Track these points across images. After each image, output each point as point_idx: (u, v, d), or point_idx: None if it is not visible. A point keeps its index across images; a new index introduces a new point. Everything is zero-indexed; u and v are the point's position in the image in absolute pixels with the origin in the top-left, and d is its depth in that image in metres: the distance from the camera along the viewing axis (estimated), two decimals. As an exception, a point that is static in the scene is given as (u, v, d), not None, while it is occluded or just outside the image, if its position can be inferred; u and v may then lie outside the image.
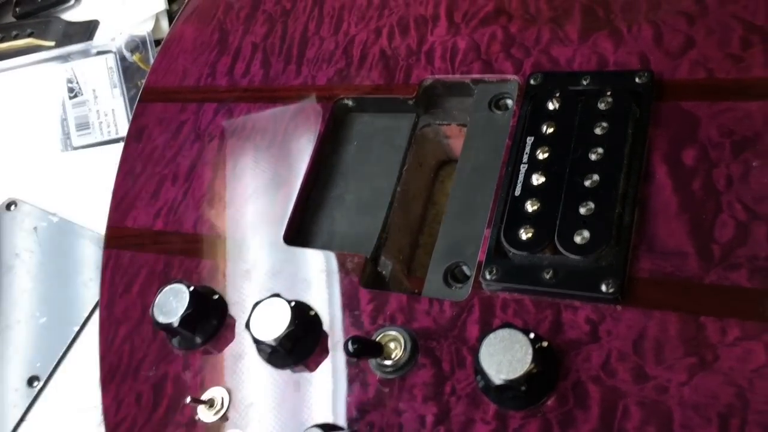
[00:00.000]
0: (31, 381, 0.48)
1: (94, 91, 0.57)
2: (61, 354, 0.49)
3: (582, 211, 0.33)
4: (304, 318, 0.36)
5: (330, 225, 0.42)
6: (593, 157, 0.34)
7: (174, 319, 0.37)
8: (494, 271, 0.34)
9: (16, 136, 0.58)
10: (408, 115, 0.44)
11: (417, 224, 0.44)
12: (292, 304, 0.35)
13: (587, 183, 0.34)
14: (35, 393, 0.48)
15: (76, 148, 0.57)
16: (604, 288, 0.32)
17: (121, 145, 0.49)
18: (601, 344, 0.31)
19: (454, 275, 0.38)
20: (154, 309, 0.38)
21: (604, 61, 0.38)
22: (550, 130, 0.36)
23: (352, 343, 0.32)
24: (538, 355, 0.30)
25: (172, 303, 0.38)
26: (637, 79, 0.36)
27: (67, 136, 0.57)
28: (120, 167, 0.48)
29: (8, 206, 0.54)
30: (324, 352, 0.36)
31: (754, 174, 0.32)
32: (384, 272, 0.39)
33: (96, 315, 0.50)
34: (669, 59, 0.36)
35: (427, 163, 0.45)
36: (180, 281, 0.38)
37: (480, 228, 0.37)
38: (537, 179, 0.35)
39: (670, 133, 0.35)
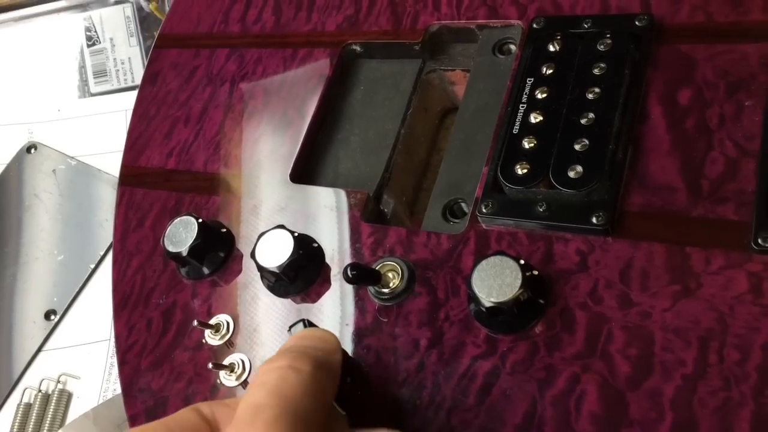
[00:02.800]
0: (48, 315, 0.50)
1: (111, 39, 0.58)
2: (77, 290, 0.51)
3: (577, 147, 0.34)
4: (307, 248, 0.37)
5: (335, 165, 0.43)
6: (590, 96, 0.35)
7: (183, 249, 0.39)
8: (490, 205, 0.35)
9: (37, 83, 0.60)
10: (414, 60, 0.44)
11: (420, 168, 0.45)
12: (296, 234, 0.37)
13: (583, 121, 0.35)
14: (52, 326, 0.50)
15: (93, 95, 0.58)
16: (594, 220, 0.33)
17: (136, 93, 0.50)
18: (590, 273, 0.32)
19: (452, 211, 0.39)
20: (165, 239, 0.39)
21: (606, 6, 0.38)
22: (550, 71, 0.37)
23: (351, 269, 0.34)
24: (528, 281, 0.31)
25: (181, 234, 0.39)
26: (637, 23, 0.37)
27: (85, 82, 0.59)
28: (135, 110, 0.50)
29: (29, 149, 0.56)
30: (326, 282, 0.37)
31: (746, 113, 0.33)
32: (386, 210, 0.41)
33: (110, 254, 0.52)
34: (670, 3, 0.37)
35: (432, 109, 0.46)
36: (190, 214, 0.40)
37: (479, 167, 0.38)
38: (535, 118, 0.36)
39: (667, 75, 0.35)
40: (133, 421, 0.37)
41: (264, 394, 0.26)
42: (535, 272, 0.32)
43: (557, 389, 0.30)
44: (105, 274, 0.51)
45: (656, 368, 0.29)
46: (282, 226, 0.37)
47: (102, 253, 0.52)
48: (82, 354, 0.48)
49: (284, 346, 0.29)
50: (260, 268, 0.37)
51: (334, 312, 0.36)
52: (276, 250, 0.37)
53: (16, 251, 0.52)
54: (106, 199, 0.53)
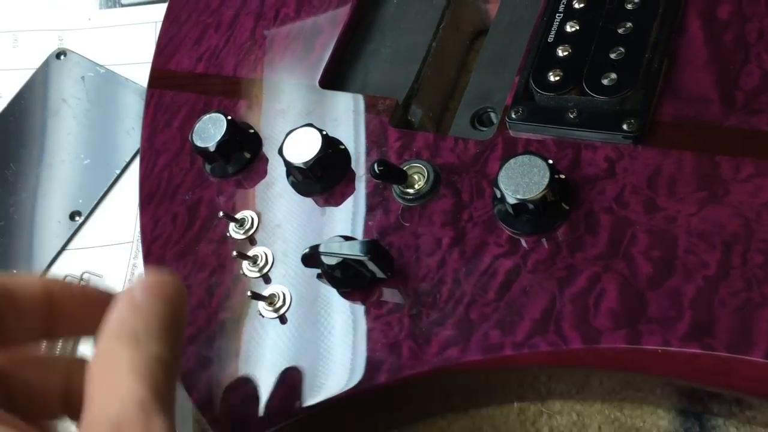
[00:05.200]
0: (72, 215, 0.51)
1: (144, -49, 0.58)
2: (102, 194, 0.51)
3: (612, 55, 0.34)
4: (334, 148, 0.38)
5: (364, 74, 0.43)
6: (629, 6, 0.35)
7: (211, 144, 0.39)
8: (520, 112, 0.35)
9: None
10: (449, -25, 0.44)
11: (449, 86, 0.45)
12: (324, 132, 0.37)
13: (620, 30, 0.35)
14: (76, 226, 0.51)
15: (124, 5, 0.58)
16: (625, 126, 0.33)
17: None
18: (617, 179, 0.32)
19: (480, 120, 0.39)
20: (194, 134, 0.40)
21: None
22: (589, -18, 0.37)
23: (378, 165, 0.34)
24: (555, 182, 0.31)
25: (210, 130, 0.40)
26: (681, -64, 0.36)
27: (116, -7, 0.59)
28: (166, 15, 0.50)
29: (58, 55, 0.56)
30: (350, 182, 0.38)
31: (787, 27, 0.33)
32: (413, 120, 0.41)
33: (136, 161, 0.52)
34: None
35: (464, 27, 0.46)
36: (219, 111, 0.40)
37: (510, 78, 0.38)
38: (571, 27, 0.36)
39: (708, -11, 0.35)
40: (156, 307, 0.38)
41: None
42: (562, 176, 0.32)
43: (577, 287, 0.31)
44: (129, 180, 0.51)
45: (678, 269, 0.29)
46: (311, 125, 0.37)
47: (127, 160, 0.52)
48: (105, 255, 0.49)
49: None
50: (287, 165, 0.37)
51: (358, 211, 0.37)
52: (303, 148, 0.37)
53: (46, 153, 0.53)
54: (133, 107, 0.53)
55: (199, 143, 0.39)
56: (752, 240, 0.29)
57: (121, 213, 0.51)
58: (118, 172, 0.52)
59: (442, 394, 0.36)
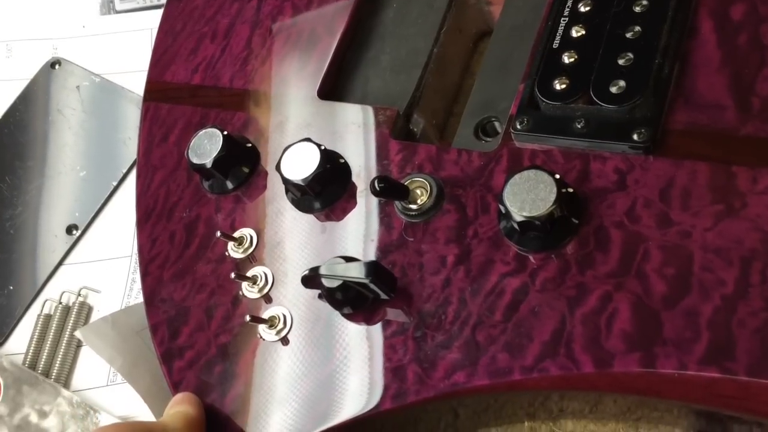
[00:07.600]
0: (69, 229, 0.50)
1: (137, -44, 0.57)
2: (98, 206, 0.50)
3: (620, 62, 0.33)
4: (333, 163, 0.36)
5: (364, 83, 0.42)
6: (637, 9, 0.33)
7: (207, 161, 0.38)
8: (525, 122, 0.34)
9: (61, -1, 0.58)
10: (450, -23, 0.43)
11: (453, 91, 0.44)
12: (323, 147, 0.36)
13: (628, 35, 0.33)
14: (73, 240, 0.50)
15: (119, 12, 0.57)
16: (635, 137, 0.31)
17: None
18: (628, 192, 0.31)
19: (484, 129, 0.37)
20: (189, 151, 0.39)
21: None
22: (595, -16, 0.35)
23: (379, 182, 0.33)
24: (562, 197, 0.30)
25: (206, 146, 0.38)
26: (690, -67, 0.34)
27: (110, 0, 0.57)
28: (161, 26, 0.48)
29: (53, 65, 0.55)
30: (351, 198, 0.36)
31: (804, 29, 0.31)
32: (415, 130, 0.40)
33: (133, 172, 0.51)
34: None
35: (466, 30, 0.44)
36: (215, 126, 0.39)
37: (515, 85, 0.36)
38: (577, 32, 0.34)
39: (720, -12, 0.33)
40: (155, 330, 0.37)
41: None
42: (570, 189, 0.31)
43: (588, 307, 0.29)
44: (127, 192, 0.50)
45: (694, 288, 0.28)
46: (309, 139, 0.36)
47: (124, 171, 0.51)
48: (103, 269, 0.48)
49: None
50: (285, 181, 0.36)
51: (359, 228, 0.35)
52: (302, 163, 0.36)
53: (42, 165, 0.52)
54: (130, 117, 0.52)
55: (195, 160, 0.38)
56: (772, 256, 0.28)
57: (119, 226, 0.50)
58: (115, 183, 0.51)
59: (450, 414, 0.35)
